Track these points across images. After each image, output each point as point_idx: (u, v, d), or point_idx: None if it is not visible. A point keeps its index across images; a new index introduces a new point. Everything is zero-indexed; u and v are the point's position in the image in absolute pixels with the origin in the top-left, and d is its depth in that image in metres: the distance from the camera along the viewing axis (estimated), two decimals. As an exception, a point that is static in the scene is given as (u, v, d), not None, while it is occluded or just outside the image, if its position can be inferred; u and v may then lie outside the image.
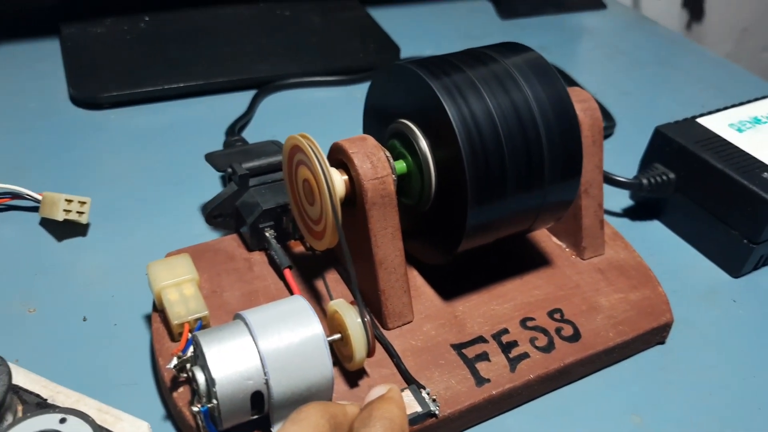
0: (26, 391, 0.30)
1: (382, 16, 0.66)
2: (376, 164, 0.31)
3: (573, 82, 0.58)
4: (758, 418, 0.33)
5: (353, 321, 0.29)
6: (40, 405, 0.29)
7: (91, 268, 0.38)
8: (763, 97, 0.47)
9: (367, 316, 0.30)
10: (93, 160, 0.46)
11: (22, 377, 0.30)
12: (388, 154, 0.32)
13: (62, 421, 0.27)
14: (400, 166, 0.33)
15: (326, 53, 0.58)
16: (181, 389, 0.30)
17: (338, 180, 0.32)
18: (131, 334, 0.34)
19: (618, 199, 0.46)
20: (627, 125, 0.54)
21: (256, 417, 0.28)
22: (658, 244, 0.43)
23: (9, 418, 0.28)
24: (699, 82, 0.62)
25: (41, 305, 0.36)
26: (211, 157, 0.39)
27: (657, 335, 0.36)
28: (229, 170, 0.37)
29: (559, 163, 0.32)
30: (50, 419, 0.27)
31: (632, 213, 0.45)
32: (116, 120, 0.50)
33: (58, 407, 0.28)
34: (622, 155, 0.49)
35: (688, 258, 0.42)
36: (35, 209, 0.40)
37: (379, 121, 0.36)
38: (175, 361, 0.28)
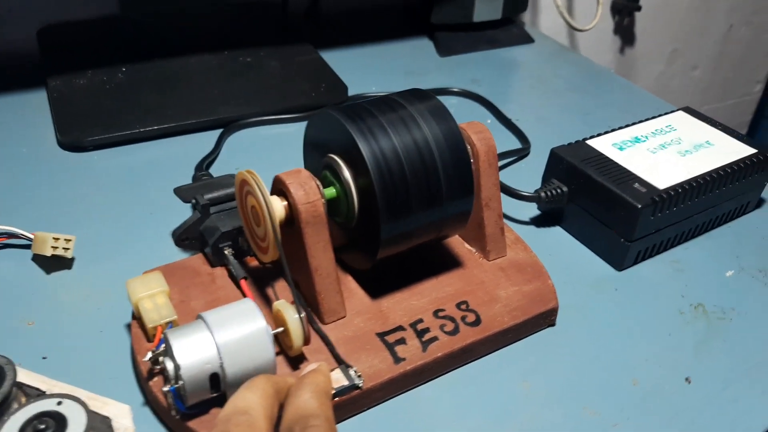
0: (28, 386, 0.37)
1: (334, 58, 0.74)
2: (308, 191, 0.39)
3: (497, 111, 0.67)
4: (624, 380, 0.41)
5: (291, 317, 0.37)
6: (39, 396, 0.37)
7: (78, 290, 0.45)
8: (649, 119, 0.56)
9: (303, 313, 0.38)
10: (79, 197, 0.53)
11: (24, 375, 0.38)
12: (318, 182, 0.40)
13: (59, 403, 0.34)
14: (330, 192, 0.41)
15: (283, 94, 0.67)
16: (155, 378, 0.37)
17: (278, 205, 0.40)
18: (114, 338, 0.42)
19: (528, 209, 0.54)
20: (541, 146, 0.62)
21: (215, 395, 0.36)
22: (558, 246, 0.51)
23: (15, 406, 0.35)
24: (607, 105, 0.71)
25: (38, 319, 0.43)
26: (179, 191, 0.47)
27: (546, 318, 0.44)
28: (194, 201, 0.45)
29: (454, 185, 0.41)
30: (49, 403, 0.34)
31: (538, 221, 0.54)
32: (99, 161, 0.58)
33: (55, 394, 0.35)
34: (535, 172, 0.57)
35: (582, 256, 0.50)
36: (28, 246, 0.47)
37: (315, 155, 0.44)
38: (150, 354, 0.36)
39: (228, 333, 0.35)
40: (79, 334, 0.42)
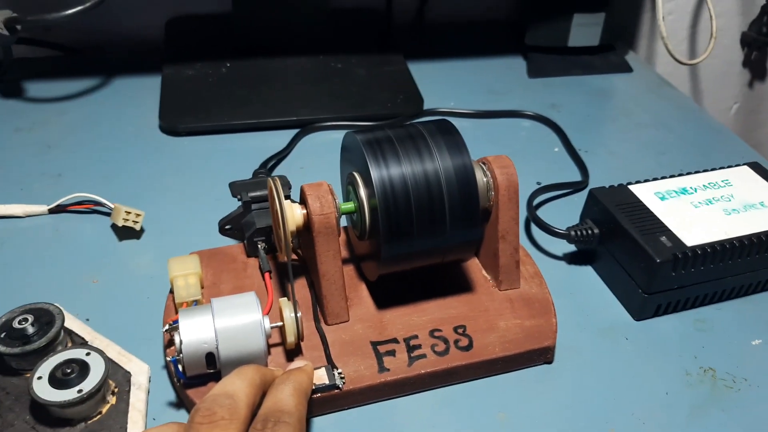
0: (76, 334, 0.45)
1: (423, 70, 0.77)
2: (323, 204, 0.43)
3: (566, 139, 0.67)
4: (602, 429, 0.41)
5: (288, 315, 0.42)
6: (81, 344, 0.44)
7: (140, 259, 0.52)
8: (707, 170, 0.54)
9: (300, 313, 0.42)
10: (162, 177, 0.61)
11: (76, 325, 0.45)
12: (335, 196, 0.44)
13: (87, 354, 0.41)
14: (348, 206, 0.45)
15: (361, 102, 0.71)
16: (172, 347, 0.43)
17: (298, 213, 0.44)
18: (157, 306, 0.48)
19: (564, 245, 0.54)
20: (602, 181, 0.61)
21: (211, 371, 0.41)
22: (583, 286, 0.51)
23: (59, 349, 0.42)
24: (689, 146, 0.68)
25: (102, 279, 0.51)
26: (232, 185, 0.52)
27: (541, 355, 0.45)
28: (239, 197, 0.50)
29: (459, 216, 0.43)
30: (80, 352, 0.41)
31: (571, 258, 0.54)
32: (189, 146, 0.66)
33: (88, 345, 0.42)
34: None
35: (604, 300, 0.50)
36: (109, 215, 0.55)
37: (345, 167, 0.48)
38: (167, 326, 0.42)
39: (227, 320, 0.40)
40: (130, 297, 0.49)
